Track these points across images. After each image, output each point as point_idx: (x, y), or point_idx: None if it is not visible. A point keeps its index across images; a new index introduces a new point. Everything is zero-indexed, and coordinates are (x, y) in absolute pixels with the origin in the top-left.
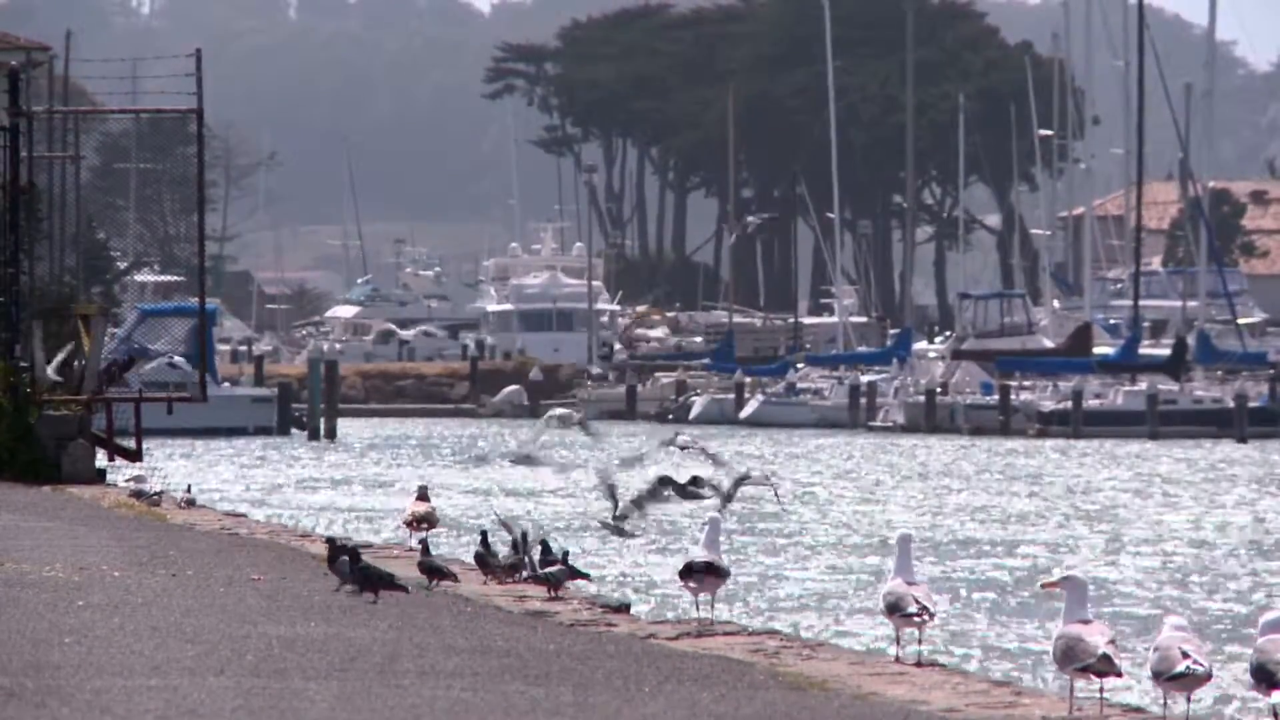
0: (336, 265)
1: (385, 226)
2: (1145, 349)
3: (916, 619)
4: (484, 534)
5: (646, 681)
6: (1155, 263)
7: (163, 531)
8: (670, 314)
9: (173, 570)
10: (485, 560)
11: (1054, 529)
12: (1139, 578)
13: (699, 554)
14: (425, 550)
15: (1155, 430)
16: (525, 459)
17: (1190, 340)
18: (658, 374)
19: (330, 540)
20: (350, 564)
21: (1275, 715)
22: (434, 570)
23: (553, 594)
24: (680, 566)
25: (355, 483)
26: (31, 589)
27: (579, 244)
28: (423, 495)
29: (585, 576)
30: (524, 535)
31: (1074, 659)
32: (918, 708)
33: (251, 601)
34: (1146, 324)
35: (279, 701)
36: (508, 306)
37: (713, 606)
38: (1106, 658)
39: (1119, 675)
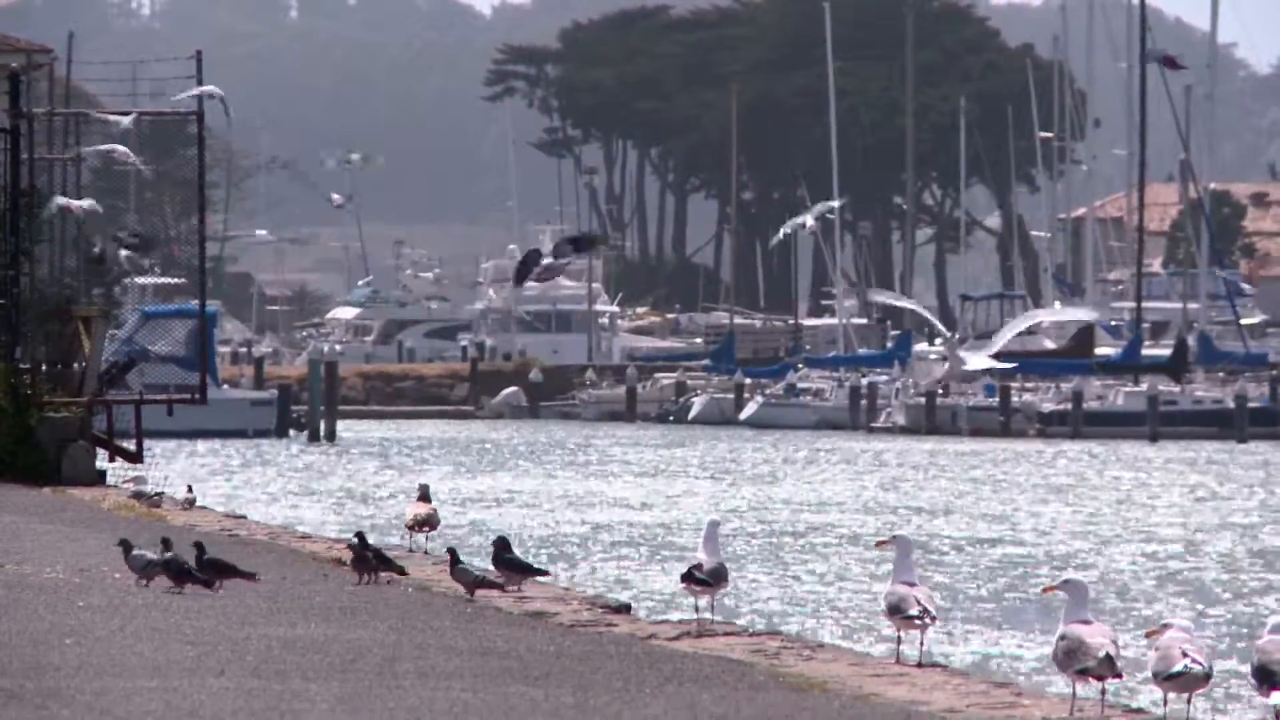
0: (337, 267)
1: (385, 228)
2: (1146, 350)
3: (918, 621)
4: (360, 534)
5: (647, 682)
6: (1155, 264)
7: (163, 533)
8: (670, 315)
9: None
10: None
11: (1058, 529)
12: (1141, 578)
13: (700, 556)
14: (359, 547)
15: (1155, 431)
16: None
17: (1191, 341)
18: (657, 374)
19: (123, 540)
20: (130, 555)
21: (1277, 716)
22: (368, 564)
23: (470, 594)
24: (683, 570)
25: (355, 484)
26: (32, 590)
27: None
28: (424, 496)
29: (543, 572)
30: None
31: (1075, 661)
32: (918, 708)
33: (251, 603)
34: (1146, 325)
35: (279, 703)
36: (507, 308)
37: (713, 608)
38: (1108, 659)
39: (1119, 677)
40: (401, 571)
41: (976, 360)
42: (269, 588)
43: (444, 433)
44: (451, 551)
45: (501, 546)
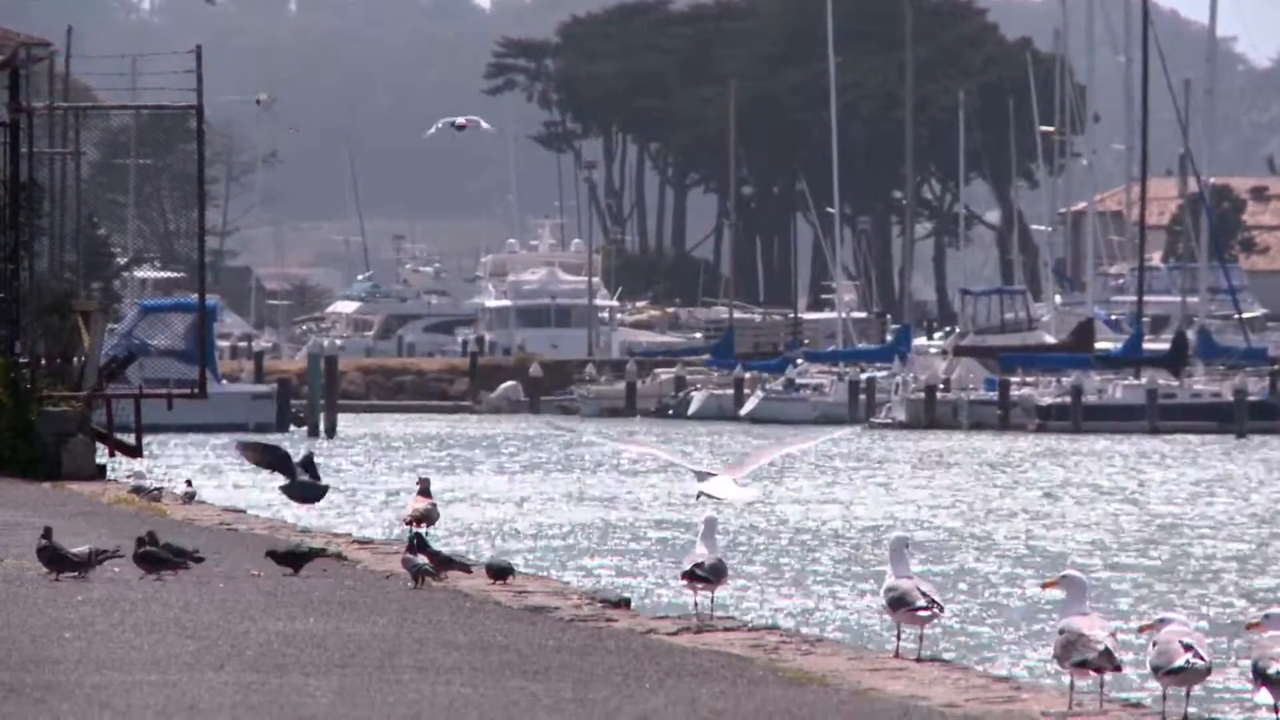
0: (337, 261)
1: (385, 223)
2: (1146, 344)
3: (924, 613)
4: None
5: (646, 677)
6: (1155, 258)
7: (162, 527)
8: (670, 309)
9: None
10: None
11: (1058, 524)
12: (1141, 573)
13: (700, 553)
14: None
15: (1154, 425)
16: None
17: (1191, 336)
18: (657, 369)
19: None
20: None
21: (1276, 711)
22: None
23: (418, 584)
24: (685, 567)
25: (355, 478)
26: (31, 585)
27: (577, 240)
28: (424, 490)
29: (464, 568)
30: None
31: (1074, 654)
32: (917, 703)
33: (251, 597)
34: (1147, 319)
35: (278, 697)
36: (506, 302)
37: (712, 602)
38: (1107, 652)
39: (1118, 670)
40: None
41: (720, 486)
42: (268, 583)
43: (440, 429)
44: (417, 537)
45: (420, 543)
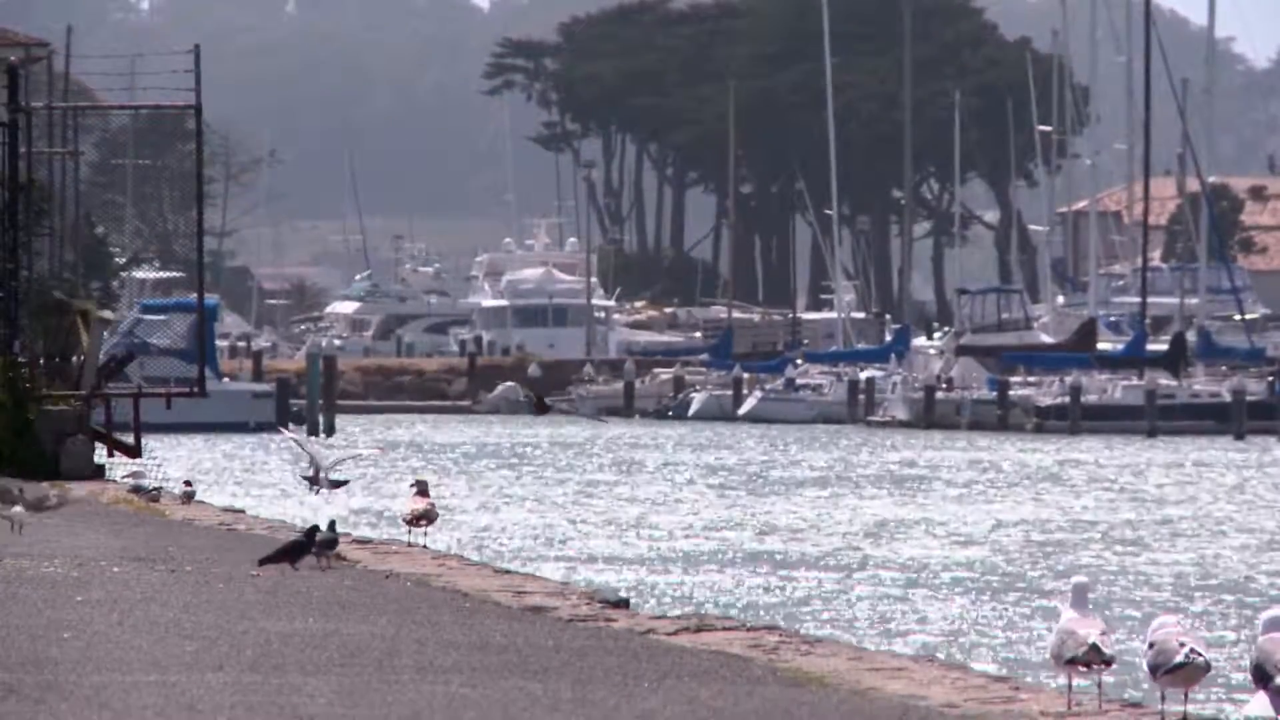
0: (336, 261)
1: (384, 222)
2: (1148, 345)
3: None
4: None
5: (645, 677)
6: (1155, 258)
7: (162, 527)
8: (669, 309)
9: (171, 566)
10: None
11: (1057, 525)
12: (1141, 573)
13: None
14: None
15: (1154, 425)
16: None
17: (1191, 336)
18: (655, 370)
19: None
20: None
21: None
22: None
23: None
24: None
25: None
26: (30, 585)
27: (572, 239)
28: (422, 490)
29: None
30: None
31: (1065, 652)
32: (916, 703)
33: (250, 597)
34: (1148, 320)
35: (277, 697)
36: (502, 302)
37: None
38: (1095, 648)
39: (1108, 664)
40: None
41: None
42: (267, 583)
43: (436, 430)
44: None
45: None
